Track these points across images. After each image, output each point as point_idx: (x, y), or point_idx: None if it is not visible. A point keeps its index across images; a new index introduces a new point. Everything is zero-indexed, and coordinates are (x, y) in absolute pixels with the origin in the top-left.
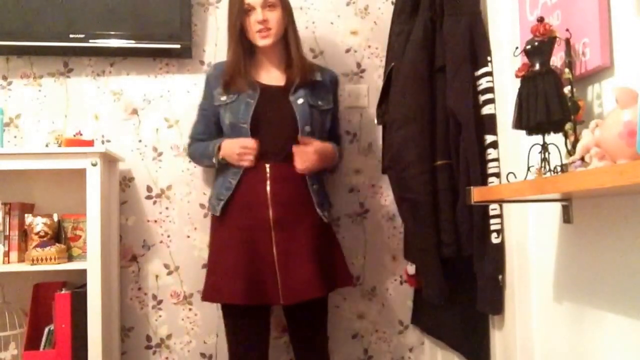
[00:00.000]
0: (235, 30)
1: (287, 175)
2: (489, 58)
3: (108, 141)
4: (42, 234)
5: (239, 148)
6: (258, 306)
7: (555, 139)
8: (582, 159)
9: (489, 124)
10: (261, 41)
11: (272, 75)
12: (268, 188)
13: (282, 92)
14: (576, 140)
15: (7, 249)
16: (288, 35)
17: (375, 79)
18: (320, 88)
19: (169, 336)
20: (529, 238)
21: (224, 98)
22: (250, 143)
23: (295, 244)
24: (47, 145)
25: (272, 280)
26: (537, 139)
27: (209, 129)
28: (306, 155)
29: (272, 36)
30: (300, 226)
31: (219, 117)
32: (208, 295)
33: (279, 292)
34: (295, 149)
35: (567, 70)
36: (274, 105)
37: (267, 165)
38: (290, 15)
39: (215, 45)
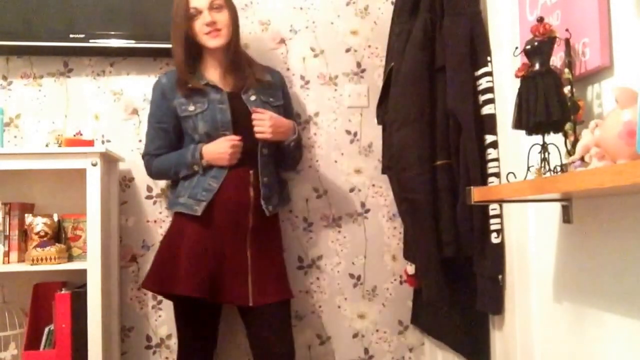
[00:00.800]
0: (181, 35)
1: (264, 182)
2: (489, 58)
3: (108, 141)
4: (42, 234)
5: (229, 148)
6: (213, 305)
7: (555, 139)
8: (582, 159)
9: (489, 124)
10: (212, 41)
11: (223, 80)
12: (251, 194)
13: (237, 95)
14: (576, 140)
15: (7, 249)
16: (235, 40)
17: (375, 79)
18: (269, 87)
19: (169, 336)
20: (529, 238)
21: (192, 108)
22: (237, 140)
23: (265, 249)
24: (47, 145)
25: (241, 282)
26: (537, 139)
27: (169, 142)
28: (262, 121)
29: (222, 36)
30: (270, 234)
31: (180, 129)
32: (169, 286)
33: (248, 294)
34: (254, 115)
35: (567, 70)
36: (240, 109)
37: (251, 172)
38: (236, 17)
39: None
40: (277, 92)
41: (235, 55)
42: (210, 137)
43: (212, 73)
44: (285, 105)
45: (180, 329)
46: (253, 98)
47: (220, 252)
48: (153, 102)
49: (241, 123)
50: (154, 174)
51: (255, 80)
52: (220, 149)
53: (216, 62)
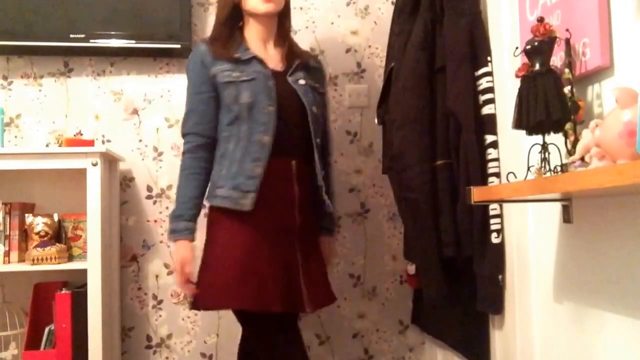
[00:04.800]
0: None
1: (306, 174)
2: (489, 58)
3: (108, 141)
4: (42, 233)
5: (178, 266)
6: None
7: (555, 139)
8: (582, 159)
9: (489, 124)
10: (264, 6)
11: (266, 55)
12: (295, 189)
13: (281, 75)
14: (576, 140)
15: (7, 248)
16: (285, 11)
17: (375, 79)
18: (315, 72)
19: (169, 336)
20: (529, 238)
21: (237, 74)
22: (185, 278)
23: (314, 249)
24: (47, 145)
25: (297, 287)
26: (537, 139)
27: (207, 117)
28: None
29: (275, 3)
30: (317, 231)
31: (219, 102)
32: (246, 301)
33: (304, 299)
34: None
35: (567, 70)
36: (286, 90)
37: (293, 163)
38: None
39: None
40: (321, 79)
41: (283, 28)
42: (250, 110)
43: (255, 45)
44: (326, 98)
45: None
46: (302, 82)
47: (277, 256)
48: (191, 71)
49: (285, 106)
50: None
51: (303, 63)
52: (175, 260)
53: (263, 33)
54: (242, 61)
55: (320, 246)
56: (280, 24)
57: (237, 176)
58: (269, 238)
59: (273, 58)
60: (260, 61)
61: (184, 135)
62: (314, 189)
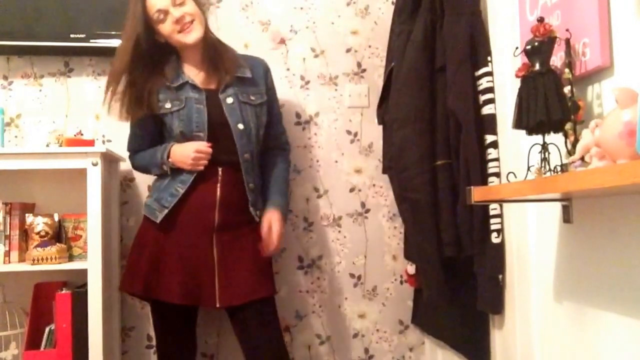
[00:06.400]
0: (135, 42)
1: (236, 180)
2: (489, 58)
3: (109, 141)
4: (42, 233)
5: (193, 153)
6: (188, 306)
7: (555, 139)
8: (582, 158)
9: (489, 123)
10: (189, 37)
11: (204, 77)
12: (218, 191)
13: (215, 94)
14: (576, 140)
15: (7, 248)
16: (206, 32)
17: (375, 79)
18: (251, 83)
19: None
20: (529, 238)
21: (168, 105)
22: (204, 147)
23: (236, 247)
24: (47, 145)
25: (209, 282)
26: (537, 138)
27: (148, 140)
28: (271, 244)
29: (197, 28)
30: (243, 230)
31: (161, 125)
32: (136, 287)
33: (215, 294)
34: (264, 245)
35: (567, 70)
36: (217, 110)
37: (220, 169)
38: (201, 5)
39: None
40: (259, 87)
41: (212, 46)
42: (185, 138)
43: (193, 70)
44: (269, 100)
45: (158, 334)
46: (230, 100)
47: (191, 253)
48: None
49: (216, 125)
50: (137, 169)
51: (233, 78)
52: (184, 153)
53: (196, 57)
54: (174, 89)
55: (251, 242)
56: (206, 44)
57: (163, 191)
58: (182, 236)
59: (210, 78)
60: (193, 85)
61: (128, 151)
62: (244, 191)
